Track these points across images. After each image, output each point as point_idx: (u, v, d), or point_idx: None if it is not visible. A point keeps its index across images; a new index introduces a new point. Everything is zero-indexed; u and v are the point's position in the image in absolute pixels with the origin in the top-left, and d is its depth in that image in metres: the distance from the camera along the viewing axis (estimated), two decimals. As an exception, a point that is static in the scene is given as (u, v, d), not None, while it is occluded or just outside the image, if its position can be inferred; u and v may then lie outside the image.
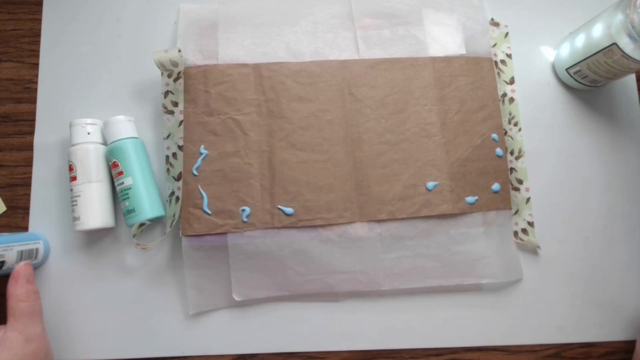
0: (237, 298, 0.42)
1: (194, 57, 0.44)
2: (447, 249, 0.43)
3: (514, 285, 0.44)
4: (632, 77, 0.48)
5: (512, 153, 0.46)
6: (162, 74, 0.44)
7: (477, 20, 0.47)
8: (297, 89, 0.43)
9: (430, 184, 0.42)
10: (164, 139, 0.44)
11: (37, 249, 0.42)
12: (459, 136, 0.44)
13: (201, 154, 0.42)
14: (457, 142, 0.43)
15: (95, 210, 0.41)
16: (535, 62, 0.48)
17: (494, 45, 0.48)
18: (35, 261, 0.42)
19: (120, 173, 0.41)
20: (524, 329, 0.44)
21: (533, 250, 0.45)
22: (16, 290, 0.37)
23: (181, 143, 0.43)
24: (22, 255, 0.40)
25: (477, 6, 0.47)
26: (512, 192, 0.45)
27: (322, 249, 0.42)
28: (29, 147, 0.46)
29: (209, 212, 0.41)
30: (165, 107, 0.44)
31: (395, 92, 0.44)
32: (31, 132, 0.46)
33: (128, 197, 0.41)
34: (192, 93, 0.43)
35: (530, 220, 0.45)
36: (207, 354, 0.43)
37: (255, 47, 0.44)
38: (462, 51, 0.45)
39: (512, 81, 0.47)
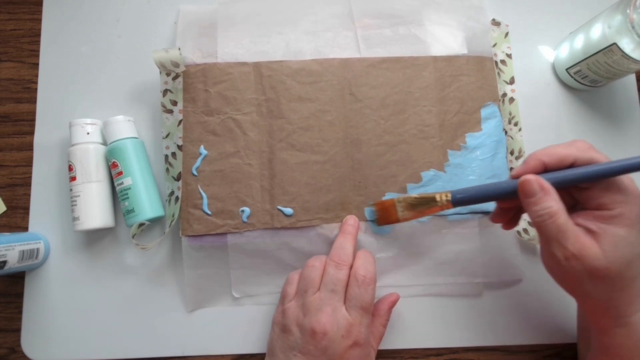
0: (236, 295, 0.42)
1: (192, 55, 0.43)
2: (440, 247, 0.43)
3: (513, 285, 0.44)
4: (632, 77, 0.48)
5: (512, 153, 0.46)
6: (160, 72, 0.43)
7: (478, 20, 0.46)
8: (298, 89, 0.43)
9: (426, 185, 0.43)
10: (163, 138, 0.44)
11: (37, 249, 0.42)
12: (456, 138, 0.43)
13: (201, 154, 0.42)
14: (455, 144, 0.43)
15: (94, 210, 0.41)
16: (535, 62, 0.48)
17: (494, 45, 0.47)
18: (36, 261, 0.42)
19: (120, 173, 0.41)
20: (524, 329, 0.44)
21: (533, 251, 0.45)
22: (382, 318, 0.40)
23: (180, 143, 0.42)
24: (23, 255, 0.40)
25: (477, 6, 0.47)
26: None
27: (320, 248, 0.42)
28: (29, 147, 0.46)
29: (209, 212, 0.41)
30: (164, 106, 0.44)
31: (395, 93, 0.43)
32: (31, 132, 0.46)
33: (128, 197, 0.41)
34: (192, 92, 0.43)
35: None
36: (207, 354, 0.43)
37: (255, 45, 0.44)
38: (464, 51, 0.45)
39: (512, 81, 0.47)
